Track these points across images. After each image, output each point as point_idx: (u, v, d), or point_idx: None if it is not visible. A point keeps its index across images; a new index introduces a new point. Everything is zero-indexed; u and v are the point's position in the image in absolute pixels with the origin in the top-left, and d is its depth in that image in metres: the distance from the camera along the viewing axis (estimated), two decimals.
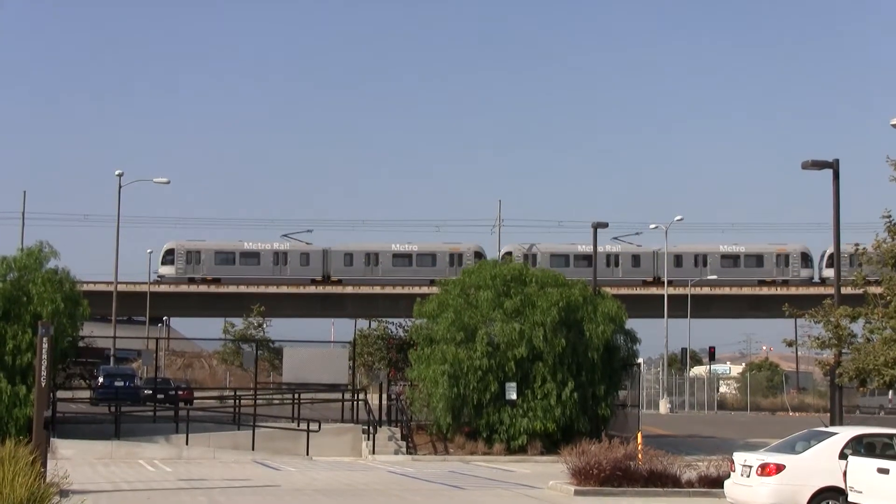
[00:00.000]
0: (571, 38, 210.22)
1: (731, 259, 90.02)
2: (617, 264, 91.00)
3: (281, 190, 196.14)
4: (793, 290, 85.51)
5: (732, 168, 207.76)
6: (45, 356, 23.67)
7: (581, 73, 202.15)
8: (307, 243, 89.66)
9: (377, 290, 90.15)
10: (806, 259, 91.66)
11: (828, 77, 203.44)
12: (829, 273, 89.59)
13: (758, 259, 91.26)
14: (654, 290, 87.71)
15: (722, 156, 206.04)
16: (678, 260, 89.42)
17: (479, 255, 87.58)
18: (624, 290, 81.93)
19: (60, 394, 39.70)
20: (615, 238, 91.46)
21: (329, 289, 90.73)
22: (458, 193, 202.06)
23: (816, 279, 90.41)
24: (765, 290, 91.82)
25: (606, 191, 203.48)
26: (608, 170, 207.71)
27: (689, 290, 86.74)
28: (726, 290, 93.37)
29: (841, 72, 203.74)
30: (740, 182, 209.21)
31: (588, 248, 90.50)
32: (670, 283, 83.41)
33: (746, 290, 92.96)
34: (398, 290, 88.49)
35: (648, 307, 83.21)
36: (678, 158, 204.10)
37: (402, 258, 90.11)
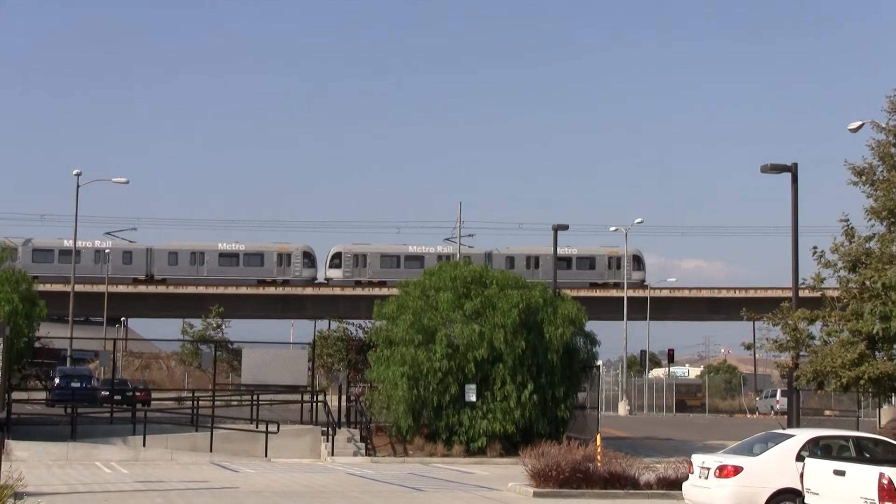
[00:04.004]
0: (544, 41, 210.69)
1: (231, 257, 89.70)
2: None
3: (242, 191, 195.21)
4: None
5: (701, 170, 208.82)
6: None
7: (547, 76, 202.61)
8: None
9: (337, 291, 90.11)
10: (309, 258, 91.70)
11: (808, 78, 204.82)
12: (333, 273, 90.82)
13: (260, 258, 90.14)
14: (614, 293, 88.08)
15: (690, 157, 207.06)
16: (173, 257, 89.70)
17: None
18: (584, 293, 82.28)
19: (16, 395, 39.33)
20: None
21: (289, 290, 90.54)
22: (419, 195, 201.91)
23: (321, 279, 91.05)
24: (723, 294, 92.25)
25: (569, 193, 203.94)
26: (571, 171, 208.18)
27: (648, 293, 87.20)
28: (685, 293, 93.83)
29: (826, 73, 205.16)
30: (709, 184, 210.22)
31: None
32: (623, 285, 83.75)
33: (706, 293, 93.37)
34: (358, 291, 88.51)
35: (608, 309, 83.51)
36: (645, 159, 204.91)
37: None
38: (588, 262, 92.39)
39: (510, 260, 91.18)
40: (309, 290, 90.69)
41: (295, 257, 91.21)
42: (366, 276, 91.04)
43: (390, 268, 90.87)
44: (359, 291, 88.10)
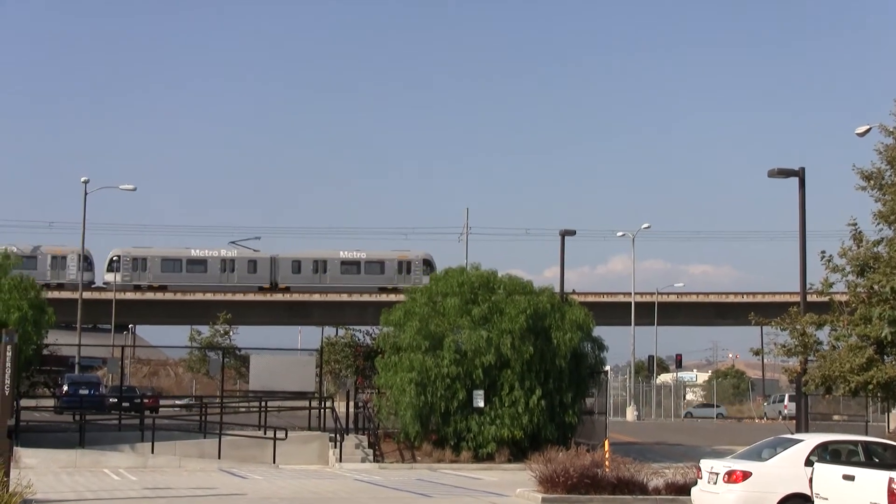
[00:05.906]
0: (548, 47, 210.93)
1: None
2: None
3: (230, 196, 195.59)
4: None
5: (708, 174, 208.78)
6: (8, 364, 23.42)
7: (551, 81, 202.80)
8: None
9: (344, 297, 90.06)
10: (87, 261, 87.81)
11: (812, 82, 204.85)
12: (110, 277, 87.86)
13: (34, 261, 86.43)
14: (621, 298, 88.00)
15: (696, 162, 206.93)
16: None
17: None
18: (592, 298, 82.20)
19: (24, 402, 39.41)
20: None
21: (296, 296, 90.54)
22: (421, 198, 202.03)
23: (99, 283, 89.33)
24: (731, 299, 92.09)
25: (574, 198, 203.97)
26: (576, 176, 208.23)
27: (655, 298, 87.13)
28: (693, 298, 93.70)
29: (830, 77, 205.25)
30: (716, 189, 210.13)
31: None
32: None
33: (713, 298, 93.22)
34: (365, 297, 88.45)
35: (616, 314, 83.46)
36: (652, 164, 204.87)
37: None
38: (378, 266, 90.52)
39: (297, 264, 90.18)
40: (316, 297, 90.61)
41: (70, 260, 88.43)
42: (146, 280, 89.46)
43: (172, 272, 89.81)
44: (366, 298, 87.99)
